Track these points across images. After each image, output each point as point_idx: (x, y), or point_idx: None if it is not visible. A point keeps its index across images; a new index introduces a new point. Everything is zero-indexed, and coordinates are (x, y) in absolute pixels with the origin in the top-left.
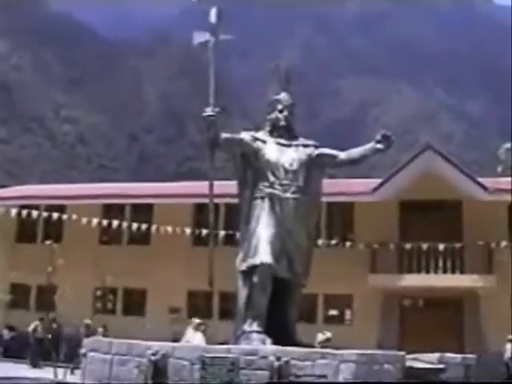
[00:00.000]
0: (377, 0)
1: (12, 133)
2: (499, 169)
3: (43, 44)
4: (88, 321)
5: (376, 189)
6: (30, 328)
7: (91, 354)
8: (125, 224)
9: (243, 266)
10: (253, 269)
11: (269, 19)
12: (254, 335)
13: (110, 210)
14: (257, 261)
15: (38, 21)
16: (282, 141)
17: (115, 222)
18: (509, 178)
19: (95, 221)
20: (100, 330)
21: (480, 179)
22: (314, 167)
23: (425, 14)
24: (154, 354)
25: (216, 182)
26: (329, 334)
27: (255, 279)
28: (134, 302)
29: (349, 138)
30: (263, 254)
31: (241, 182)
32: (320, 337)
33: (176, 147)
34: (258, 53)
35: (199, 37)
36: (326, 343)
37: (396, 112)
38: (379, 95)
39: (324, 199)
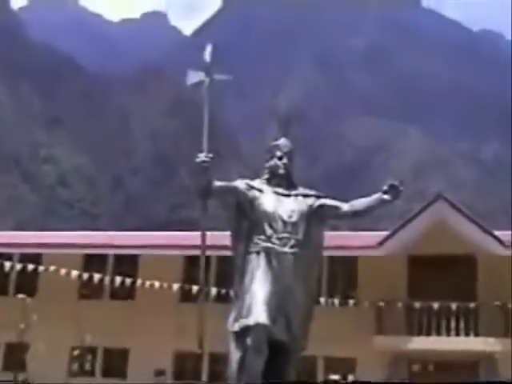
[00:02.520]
0: (380, 37)
1: None
2: None
3: (22, 77)
4: None
5: (382, 242)
6: None
7: None
8: (107, 277)
9: (236, 327)
10: (246, 330)
11: (268, 56)
12: None
13: (92, 261)
14: (251, 321)
15: (16, 52)
16: (281, 190)
17: (97, 275)
18: None
19: (74, 273)
20: None
21: (496, 232)
22: (314, 219)
23: (431, 50)
24: None
25: (208, 233)
26: None
27: (249, 341)
28: (115, 364)
29: (353, 184)
30: (258, 314)
31: (235, 235)
32: None
33: (165, 192)
34: (257, 91)
35: (193, 77)
36: None
37: (403, 156)
38: (385, 138)
39: (326, 253)
